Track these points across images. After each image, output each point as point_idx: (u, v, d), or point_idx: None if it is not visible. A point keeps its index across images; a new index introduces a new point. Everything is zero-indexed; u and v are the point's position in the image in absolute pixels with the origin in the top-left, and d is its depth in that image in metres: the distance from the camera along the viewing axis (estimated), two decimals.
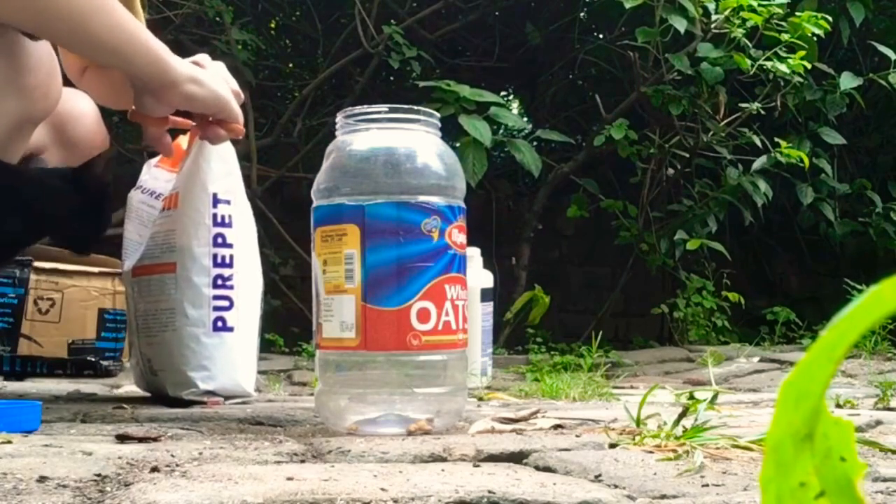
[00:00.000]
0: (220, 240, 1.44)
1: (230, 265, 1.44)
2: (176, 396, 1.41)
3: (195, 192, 1.44)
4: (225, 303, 1.43)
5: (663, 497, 0.73)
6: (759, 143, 3.24)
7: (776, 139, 3.26)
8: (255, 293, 1.49)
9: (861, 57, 3.58)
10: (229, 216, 1.45)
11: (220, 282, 1.43)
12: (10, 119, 1.29)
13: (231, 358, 1.43)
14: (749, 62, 3.02)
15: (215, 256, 1.44)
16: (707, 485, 0.77)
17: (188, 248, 1.43)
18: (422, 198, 1.10)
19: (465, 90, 2.87)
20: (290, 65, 4.03)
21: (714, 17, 3.01)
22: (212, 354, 1.42)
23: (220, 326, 1.42)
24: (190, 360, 1.41)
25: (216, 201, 1.44)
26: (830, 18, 3.04)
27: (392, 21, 3.47)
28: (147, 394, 1.53)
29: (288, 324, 3.28)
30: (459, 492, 0.70)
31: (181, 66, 1.27)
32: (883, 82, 3.32)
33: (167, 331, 1.43)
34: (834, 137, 3.45)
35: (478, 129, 2.80)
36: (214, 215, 1.44)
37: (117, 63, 1.26)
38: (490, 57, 3.85)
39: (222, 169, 1.46)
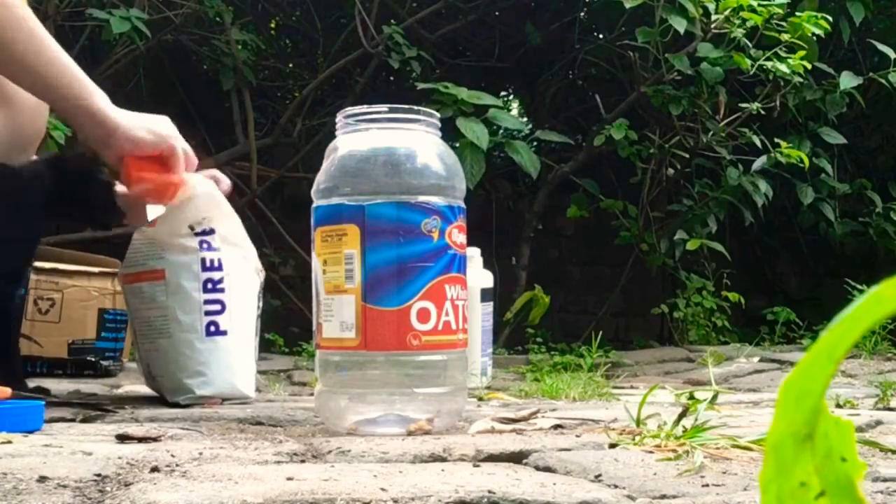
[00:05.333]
0: (205, 245, 1.43)
1: (219, 268, 1.43)
2: (174, 402, 1.41)
3: (168, 221, 1.43)
4: (217, 307, 1.42)
5: (663, 497, 0.73)
6: (759, 143, 3.24)
7: (776, 139, 3.26)
8: (250, 293, 1.47)
9: (861, 56, 3.58)
10: (207, 225, 1.44)
11: (210, 286, 1.42)
12: None
13: (227, 362, 1.42)
14: (749, 62, 3.02)
15: (203, 261, 1.43)
16: (707, 485, 0.77)
17: (171, 254, 1.42)
18: (422, 198, 1.10)
19: (463, 92, 2.87)
20: (290, 65, 4.03)
21: (714, 17, 3.01)
22: (207, 360, 1.41)
23: (214, 331, 1.42)
24: (185, 367, 1.40)
25: (191, 227, 1.44)
26: (830, 18, 3.04)
27: (392, 21, 3.47)
28: (148, 393, 1.53)
29: (288, 324, 3.28)
30: (459, 492, 0.70)
31: (124, 117, 1.35)
32: (883, 81, 3.32)
33: (162, 337, 1.42)
34: (834, 137, 3.45)
35: (475, 132, 2.80)
36: (191, 226, 1.43)
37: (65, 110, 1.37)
38: (490, 57, 3.85)
39: (195, 202, 1.44)
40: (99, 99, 1.34)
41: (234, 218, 1.49)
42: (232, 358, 1.42)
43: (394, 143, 1.13)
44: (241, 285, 1.45)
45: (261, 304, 1.51)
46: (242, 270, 1.46)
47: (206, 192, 1.45)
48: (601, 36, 3.86)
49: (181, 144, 1.42)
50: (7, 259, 1.37)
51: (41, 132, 1.49)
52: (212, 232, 1.44)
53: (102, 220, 1.50)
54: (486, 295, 2.00)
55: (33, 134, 1.47)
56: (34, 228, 1.42)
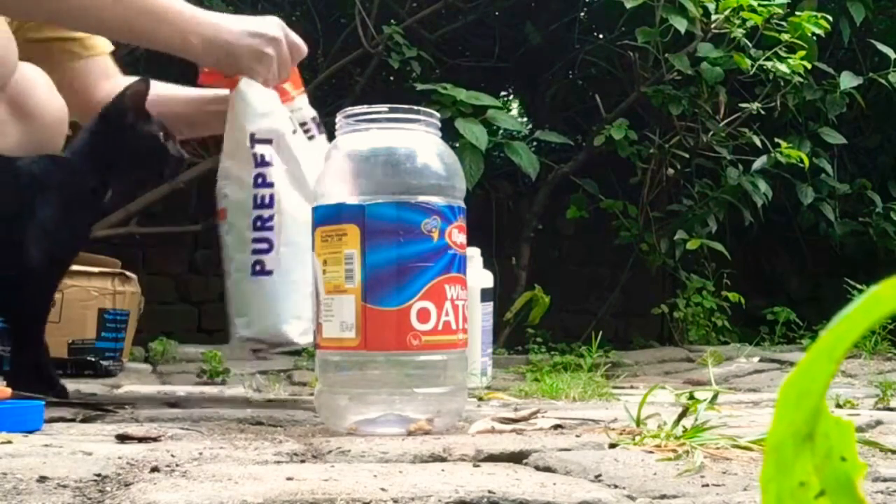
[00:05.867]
0: (259, 180, 1.39)
1: (269, 205, 1.38)
2: (235, 346, 1.40)
3: (233, 135, 1.41)
4: (264, 245, 1.37)
5: (663, 497, 0.73)
6: (759, 143, 3.24)
7: (776, 139, 3.26)
8: (305, 234, 1.35)
9: (861, 57, 3.58)
10: (269, 155, 1.39)
11: (259, 223, 1.38)
12: None
13: (268, 303, 1.37)
14: (749, 62, 3.02)
15: (255, 197, 1.38)
16: (707, 485, 0.77)
17: (232, 191, 1.40)
18: (422, 198, 1.10)
19: (462, 93, 2.86)
20: None
21: (714, 17, 3.01)
22: (250, 300, 1.38)
23: (259, 270, 1.37)
24: (235, 306, 1.39)
25: (254, 141, 1.39)
26: (830, 18, 3.04)
27: (392, 21, 3.46)
28: (148, 393, 1.53)
29: None
30: (459, 492, 0.70)
31: (204, 46, 1.36)
32: (883, 81, 3.32)
33: (226, 278, 1.41)
34: (834, 137, 3.45)
35: (474, 133, 2.80)
36: (254, 155, 1.39)
37: (146, 45, 1.45)
38: (490, 57, 3.84)
39: (260, 109, 1.41)
40: (182, 39, 1.35)
41: (301, 149, 1.43)
42: (275, 299, 1.37)
43: (394, 143, 1.13)
44: (295, 224, 1.38)
45: None
46: (298, 209, 1.38)
47: (268, 101, 1.42)
48: (601, 36, 3.86)
49: (278, 52, 1.43)
50: (60, 247, 1.38)
51: (60, 146, 1.50)
52: (269, 163, 1.39)
53: (158, 169, 1.46)
54: (486, 295, 1.99)
55: (54, 149, 1.48)
56: (85, 214, 1.42)
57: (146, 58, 3.22)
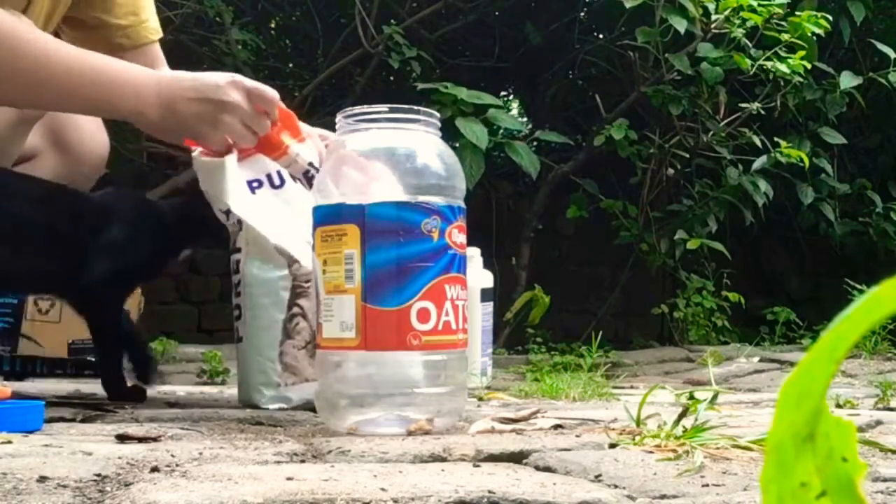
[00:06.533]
0: (232, 245, 1.40)
1: (238, 271, 1.39)
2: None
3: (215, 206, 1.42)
4: (237, 312, 1.39)
5: (663, 497, 0.73)
6: (759, 143, 3.24)
7: (776, 139, 3.26)
8: (270, 297, 1.36)
9: (861, 56, 3.58)
10: (238, 220, 1.39)
11: (235, 290, 1.40)
12: (7, 117, 1.30)
13: (243, 371, 1.39)
14: (749, 62, 3.02)
15: (230, 262, 1.40)
16: (707, 485, 0.77)
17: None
18: (422, 198, 1.10)
19: (462, 92, 2.86)
20: (290, 65, 4.03)
21: (714, 17, 3.01)
22: (238, 366, 1.41)
23: (237, 338, 1.40)
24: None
25: (227, 213, 1.40)
26: (830, 18, 3.04)
27: (392, 21, 3.47)
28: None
29: None
30: (459, 492, 0.70)
31: (154, 107, 1.26)
32: (883, 81, 3.32)
33: None
34: (834, 137, 3.45)
35: (474, 132, 2.80)
36: (231, 223, 1.40)
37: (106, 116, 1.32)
38: (490, 57, 3.85)
39: (220, 187, 1.39)
40: (124, 106, 1.26)
41: (259, 212, 1.39)
42: (246, 366, 1.38)
43: (394, 143, 1.13)
44: (257, 284, 1.37)
45: (298, 306, 1.36)
46: (262, 269, 1.37)
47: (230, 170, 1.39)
48: (601, 36, 3.86)
49: (238, 115, 1.30)
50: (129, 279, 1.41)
51: (91, 184, 1.50)
52: (239, 228, 1.39)
53: (210, 242, 1.50)
54: (486, 295, 1.99)
55: (84, 185, 1.48)
56: (152, 250, 1.44)
57: None
